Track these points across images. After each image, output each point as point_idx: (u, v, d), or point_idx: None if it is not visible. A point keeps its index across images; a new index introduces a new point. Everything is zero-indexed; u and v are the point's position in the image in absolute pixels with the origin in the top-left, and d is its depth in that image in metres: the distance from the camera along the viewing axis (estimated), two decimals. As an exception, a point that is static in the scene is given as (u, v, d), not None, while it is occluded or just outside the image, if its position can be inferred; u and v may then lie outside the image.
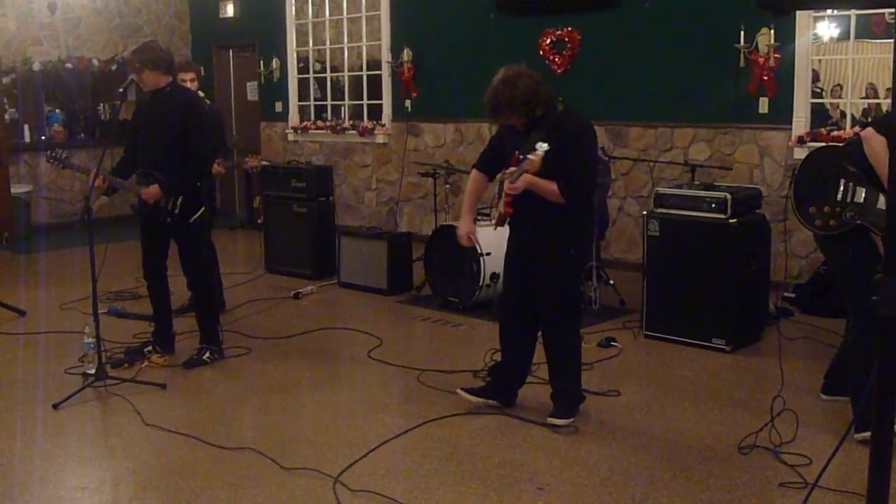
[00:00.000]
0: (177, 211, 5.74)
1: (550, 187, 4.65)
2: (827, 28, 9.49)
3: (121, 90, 5.82)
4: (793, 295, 7.32)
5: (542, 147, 4.52)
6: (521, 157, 4.64)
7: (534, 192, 4.68)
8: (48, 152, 6.06)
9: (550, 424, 4.87)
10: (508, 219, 4.96)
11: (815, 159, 4.87)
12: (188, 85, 6.99)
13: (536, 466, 4.41)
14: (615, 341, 6.34)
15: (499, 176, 4.96)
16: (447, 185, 8.68)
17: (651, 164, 8.24)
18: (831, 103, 8.98)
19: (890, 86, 7.55)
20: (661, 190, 6.45)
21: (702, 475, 4.28)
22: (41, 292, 8.07)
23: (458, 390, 5.23)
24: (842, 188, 4.50)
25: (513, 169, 4.69)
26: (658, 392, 5.45)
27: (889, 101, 7.33)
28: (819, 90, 9.06)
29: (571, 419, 4.90)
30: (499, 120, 4.96)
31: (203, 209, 5.88)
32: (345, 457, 4.48)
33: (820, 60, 8.75)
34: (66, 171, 6.09)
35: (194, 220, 5.83)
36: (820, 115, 8.80)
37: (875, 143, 4.35)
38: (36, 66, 11.46)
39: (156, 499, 4.12)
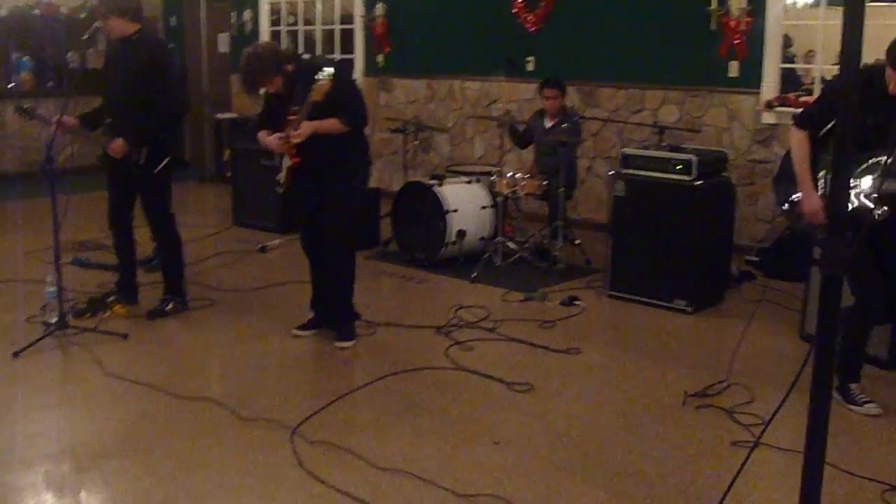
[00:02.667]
0: (142, 161, 5.69)
1: (331, 123, 5.15)
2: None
3: (86, 37, 5.75)
4: (756, 259, 7.37)
5: (327, 71, 4.93)
6: (295, 109, 5.13)
7: (315, 137, 5.13)
8: (15, 105, 6.00)
9: (339, 348, 5.42)
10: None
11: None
12: None
13: (493, 421, 4.45)
14: (578, 300, 6.38)
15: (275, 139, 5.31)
16: (416, 142, 8.64)
17: (621, 125, 8.25)
18: (805, 69, 9.00)
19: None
20: (627, 151, 6.47)
21: (656, 432, 4.33)
22: (5, 240, 8.01)
23: (293, 331, 5.63)
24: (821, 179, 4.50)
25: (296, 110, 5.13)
26: (618, 351, 5.50)
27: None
28: (791, 55, 9.09)
29: (355, 339, 5.51)
30: (259, 89, 5.31)
31: (167, 159, 5.82)
32: (304, 409, 4.50)
33: (794, 25, 8.74)
34: (34, 121, 6.00)
35: (159, 171, 5.78)
36: (792, 80, 8.84)
37: (791, 139, 4.48)
38: (3, 12, 11.28)
39: (113, 447, 4.13)
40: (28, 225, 8.27)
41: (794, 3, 9.01)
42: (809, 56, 9.38)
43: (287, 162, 5.37)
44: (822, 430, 2.21)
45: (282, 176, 5.43)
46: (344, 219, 5.40)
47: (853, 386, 4.62)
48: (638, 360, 5.30)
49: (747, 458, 2.88)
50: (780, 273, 7.15)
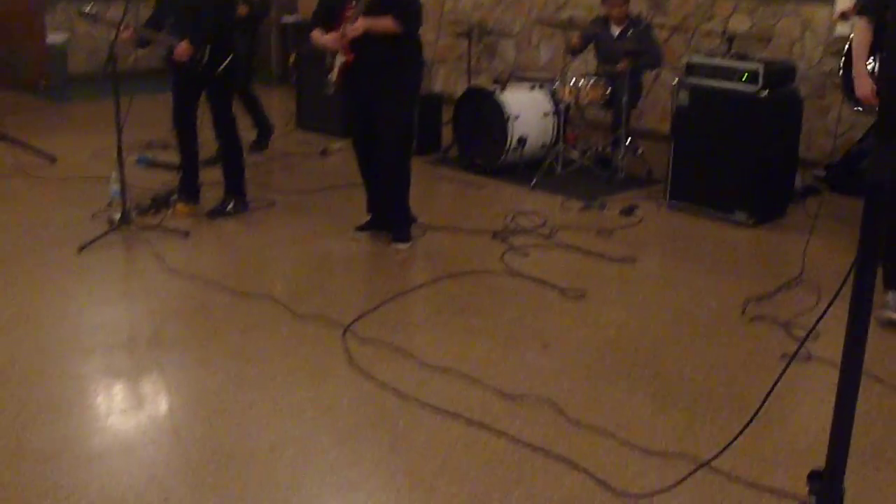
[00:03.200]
0: (205, 60, 5.72)
1: (385, 22, 5.13)
2: None
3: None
4: (824, 173, 7.21)
5: None
6: (354, 3, 5.10)
7: (369, 34, 5.13)
8: (79, 9, 6.07)
9: (395, 250, 5.48)
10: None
11: None
12: None
13: (544, 326, 4.48)
14: (637, 210, 6.33)
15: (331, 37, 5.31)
16: (481, 47, 8.53)
17: (689, 34, 8.05)
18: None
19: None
20: (692, 59, 6.32)
21: (707, 342, 4.32)
22: (74, 140, 8.16)
23: (351, 232, 5.71)
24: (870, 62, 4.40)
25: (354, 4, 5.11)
26: (674, 261, 5.46)
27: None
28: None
29: (411, 241, 5.55)
30: None
31: (231, 57, 5.85)
32: (358, 307, 4.57)
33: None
34: (98, 24, 6.08)
35: (223, 68, 5.81)
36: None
37: (855, 31, 4.35)
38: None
39: (169, 338, 4.26)
40: (96, 125, 8.37)
41: None
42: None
43: (340, 60, 5.35)
44: (861, 343, 2.19)
45: (333, 75, 5.42)
46: (398, 120, 5.39)
47: None
48: (694, 271, 5.26)
49: (786, 368, 2.85)
50: (848, 188, 6.99)
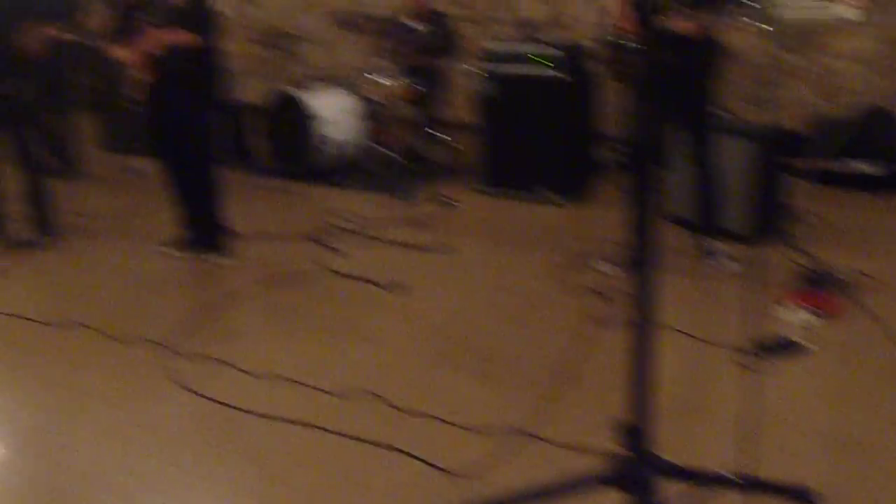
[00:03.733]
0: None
1: (181, 36, 5.03)
2: None
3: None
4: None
5: None
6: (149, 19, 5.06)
7: (170, 49, 5.04)
8: None
9: (210, 262, 5.44)
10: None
11: None
12: None
13: (368, 322, 4.52)
14: (452, 200, 6.45)
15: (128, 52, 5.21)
16: (277, 52, 8.45)
17: (488, 22, 8.24)
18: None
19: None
20: (489, 46, 6.49)
21: (527, 318, 4.47)
22: None
23: (162, 249, 5.63)
24: None
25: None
26: (492, 246, 5.60)
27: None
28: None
29: (226, 252, 5.49)
30: None
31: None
32: (177, 325, 4.50)
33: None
34: None
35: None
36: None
37: None
38: None
39: (-20, 379, 4.08)
40: None
41: None
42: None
43: (138, 75, 5.23)
44: (649, 297, 2.32)
45: (133, 90, 5.29)
46: (197, 131, 5.32)
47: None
48: (510, 252, 5.41)
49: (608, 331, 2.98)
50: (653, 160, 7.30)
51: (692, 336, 4.14)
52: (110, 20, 5.42)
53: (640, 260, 2.33)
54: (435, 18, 7.41)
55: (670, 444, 2.81)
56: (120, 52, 5.21)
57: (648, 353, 2.35)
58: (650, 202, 2.33)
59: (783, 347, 4.04)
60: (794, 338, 4.12)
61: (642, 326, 2.34)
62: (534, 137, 6.25)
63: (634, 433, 2.41)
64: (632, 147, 2.22)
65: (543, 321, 4.42)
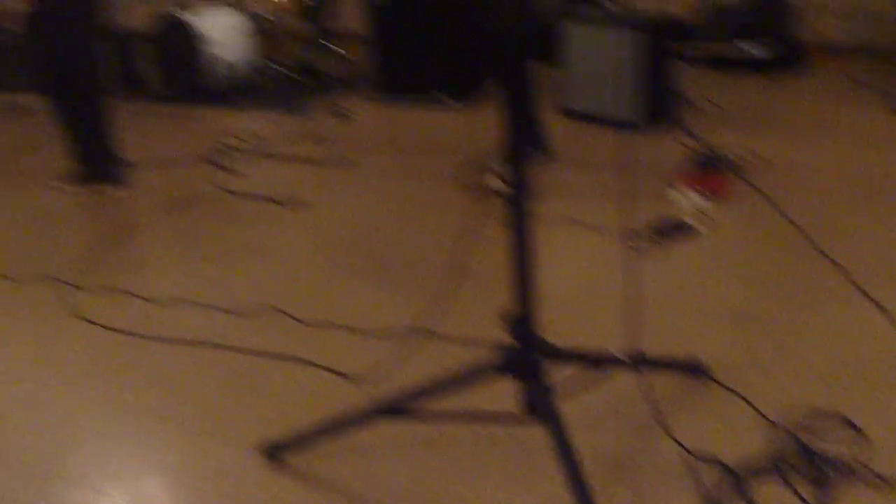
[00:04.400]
0: None
1: None
2: None
3: None
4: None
5: None
6: None
7: None
8: None
9: (101, 192, 5.30)
10: None
11: None
12: None
13: (264, 238, 4.52)
14: (349, 111, 6.41)
15: None
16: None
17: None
18: None
19: None
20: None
21: (427, 223, 4.52)
22: None
23: (52, 183, 5.44)
24: None
25: None
26: (391, 155, 5.63)
27: None
28: None
29: (118, 181, 5.36)
30: None
31: None
32: (74, 259, 4.43)
33: None
34: None
35: None
36: None
37: None
38: None
39: None
40: None
41: None
42: None
43: (18, 4, 5.06)
44: (524, 181, 2.36)
45: (13, 20, 5.13)
46: (87, 61, 5.18)
47: None
48: (410, 160, 5.44)
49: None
50: (544, 56, 7.33)
51: (583, 223, 4.23)
52: None
53: (514, 152, 2.36)
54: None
55: (563, 331, 2.90)
56: None
57: (529, 243, 2.40)
58: (521, 93, 2.35)
59: (676, 230, 4.16)
60: (687, 220, 4.24)
61: (520, 217, 2.38)
62: (425, 42, 6.23)
63: (522, 321, 2.48)
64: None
65: (442, 224, 4.47)
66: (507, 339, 2.49)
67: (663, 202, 4.43)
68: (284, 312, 3.72)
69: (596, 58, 5.55)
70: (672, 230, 4.16)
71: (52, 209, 5.24)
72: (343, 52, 7.41)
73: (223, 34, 7.00)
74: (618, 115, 5.48)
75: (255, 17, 7.07)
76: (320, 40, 7.14)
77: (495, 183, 4.71)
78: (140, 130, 6.63)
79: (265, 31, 7.30)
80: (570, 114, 5.81)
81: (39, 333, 3.80)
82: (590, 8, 5.90)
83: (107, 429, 3.11)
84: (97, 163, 5.39)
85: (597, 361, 2.79)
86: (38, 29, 5.12)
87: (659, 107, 5.53)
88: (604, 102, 5.55)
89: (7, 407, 3.29)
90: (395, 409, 2.65)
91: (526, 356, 2.48)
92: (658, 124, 5.50)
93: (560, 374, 2.62)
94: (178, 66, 7.13)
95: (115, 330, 3.73)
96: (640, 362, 2.89)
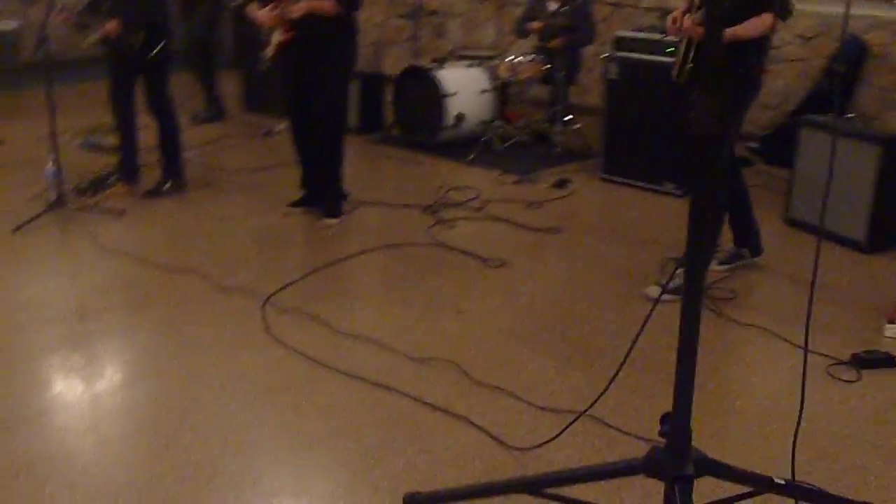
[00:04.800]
0: (138, 46, 5.80)
1: (325, 4, 5.24)
2: None
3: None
4: (757, 145, 7.36)
5: None
6: None
7: (308, 14, 5.22)
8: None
9: (325, 225, 5.61)
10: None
11: None
12: None
13: (461, 293, 4.61)
14: (569, 183, 6.46)
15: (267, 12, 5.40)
16: (429, 27, 8.61)
17: (629, 10, 8.18)
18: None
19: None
20: (620, 33, 6.46)
21: (617, 308, 4.45)
22: (21, 126, 8.18)
23: (284, 208, 5.83)
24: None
25: None
26: (599, 232, 5.60)
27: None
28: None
29: (341, 217, 5.68)
30: None
31: (165, 42, 5.93)
32: (281, 280, 4.67)
33: None
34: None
35: (156, 54, 5.89)
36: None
37: None
38: None
39: (93, 315, 4.35)
40: (46, 112, 8.43)
41: None
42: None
43: (277, 37, 5.45)
44: (698, 292, 2.32)
45: (268, 51, 5.52)
46: (332, 97, 5.52)
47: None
48: (616, 241, 5.39)
49: (648, 316, 2.97)
50: (780, 159, 7.14)
51: (784, 338, 4.06)
52: None
53: (695, 252, 2.32)
54: (572, 1, 7.39)
55: (730, 445, 2.80)
56: (261, 15, 5.42)
57: (693, 348, 2.35)
58: (711, 197, 2.31)
59: (882, 365, 3.92)
60: (896, 354, 4.00)
61: (691, 319, 2.34)
62: (657, 126, 6.19)
63: (677, 426, 2.41)
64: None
65: (634, 312, 4.40)
66: (662, 439, 2.44)
67: (876, 333, 4.20)
68: (460, 368, 3.78)
69: (829, 169, 5.32)
70: (878, 364, 3.93)
71: (275, 229, 5.56)
72: (576, 123, 7.48)
73: (463, 89, 7.23)
74: (843, 233, 5.24)
75: (496, 77, 7.26)
76: (556, 109, 7.23)
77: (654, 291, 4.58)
78: (370, 169, 6.94)
79: (506, 93, 7.48)
80: (795, 223, 5.62)
81: (234, 343, 4.03)
82: (828, 117, 5.68)
83: (268, 445, 3.25)
84: (326, 193, 5.69)
85: (753, 484, 2.67)
86: (291, 62, 5.48)
87: (891, 231, 5.25)
88: (831, 216, 5.31)
89: (190, 406, 3.51)
90: (539, 488, 2.64)
91: (674, 463, 2.41)
92: (885, 249, 5.21)
93: (714, 489, 2.53)
94: (416, 114, 7.43)
95: (299, 353, 3.91)
96: (803, 496, 2.73)
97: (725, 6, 2.18)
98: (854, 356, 3.91)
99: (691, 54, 4.42)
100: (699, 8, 4.28)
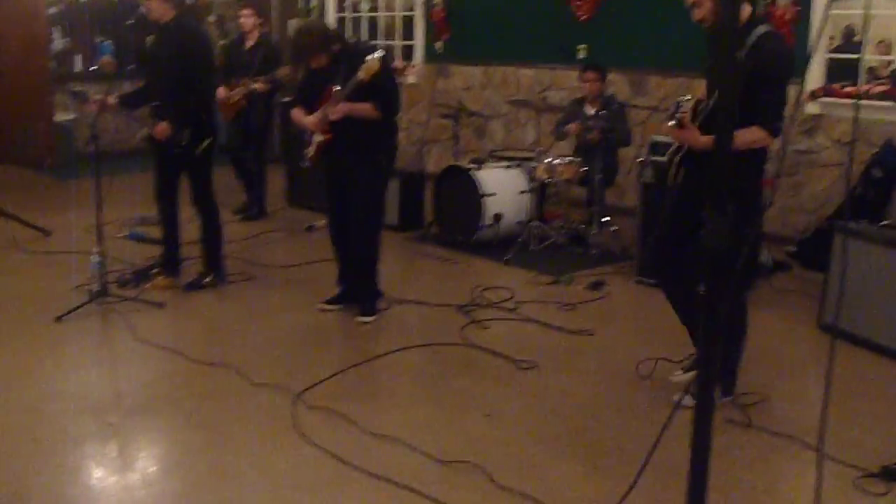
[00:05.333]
0: (184, 143, 5.99)
1: (366, 107, 5.39)
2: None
3: (130, 21, 6.07)
4: (795, 249, 7.37)
5: (378, 54, 5.25)
6: (338, 88, 5.37)
7: (348, 117, 5.38)
8: (68, 89, 6.42)
9: (360, 322, 5.68)
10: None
11: None
12: (243, 21, 8.18)
13: (491, 395, 4.63)
14: (604, 285, 6.49)
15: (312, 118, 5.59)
16: (458, 127, 8.74)
17: (666, 114, 8.28)
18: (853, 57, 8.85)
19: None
20: (655, 137, 6.54)
21: (649, 412, 4.44)
22: (72, 215, 8.43)
23: (319, 304, 5.91)
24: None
25: (337, 89, 5.38)
26: (632, 334, 5.61)
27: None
28: (857, 44, 8.90)
29: (376, 315, 5.73)
30: (305, 64, 5.55)
31: (209, 140, 6.12)
32: (312, 377, 4.73)
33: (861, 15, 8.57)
34: (87, 104, 6.48)
35: (201, 151, 6.08)
36: (848, 71, 8.64)
37: None
38: (83, -3, 11.81)
39: (128, 404, 4.43)
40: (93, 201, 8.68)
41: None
42: (881, 46, 9.23)
43: (318, 138, 5.61)
44: (709, 407, 2.33)
45: (310, 150, 5.68)
46: (370, 198, 5.63)
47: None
48: (649, 344, 5.38)
49: (668, 420, 2.97)
50: (818, 264, 7.12)
51: (816, 450, 4.02)
52: (297, 82, 5.86)
53: (706, 356, 2.35)
54: (611, 105, 7.54)
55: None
56: (305, 119, 5.59)
57: (705, 460, 2.36)
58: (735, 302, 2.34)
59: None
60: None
61: (703, 426, 2.35)
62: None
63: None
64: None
65: (663, 419, 4.37)
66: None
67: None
68: (485, 472, 3.78)
69: (868, 277, 5.32)
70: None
71: (310, 326, 5.63)
72: (613, 224, 7.54)
73: (502, 190, 7.35)
74: (878, 340, 5.21)
75: (534, 178, 7.37)
76: (593, 210, 7.31)
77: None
78: (408, 267, 7.03)
79: (543, 194, 7.58)
80: (829, 329, 5.58)
81: (264, 440, 4.08)
82: (864, 223, 5.68)
83: (291, 546, 3.27)
84: (362, 291, 5.77)
85: None
86: (331, 161, 5.64)
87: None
88: (865, 323, 5.29)
89: (213, 501, 3.54)
90: None
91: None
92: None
93: None
94: (455, 213, 7.54)
95: (326, 451, 3.94)
96: None
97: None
98: (884, 468, 3.86)
99: (676, 158, 4.51)
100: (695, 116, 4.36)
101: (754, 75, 3.97)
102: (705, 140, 4.20)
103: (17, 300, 5.99)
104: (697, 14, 4.23)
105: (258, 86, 8.27)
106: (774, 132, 4.23)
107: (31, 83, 11.13)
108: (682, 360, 4.89)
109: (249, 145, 8.67)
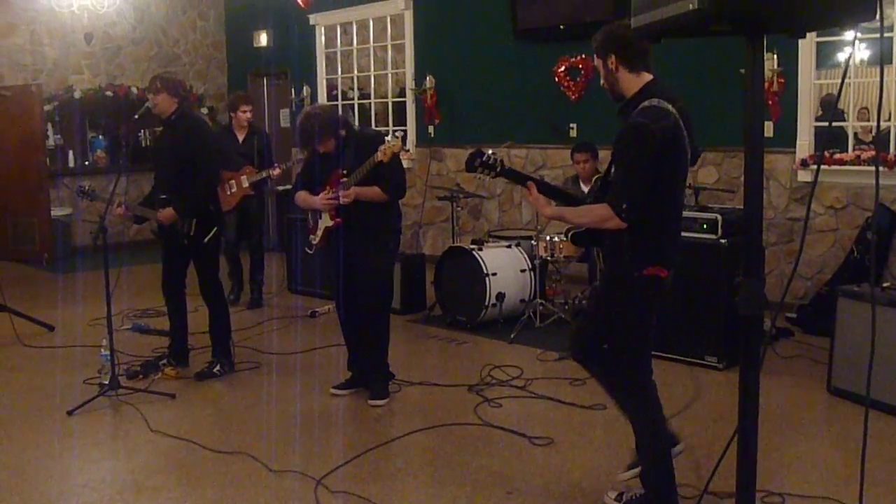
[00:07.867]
0: (191, 232, 6.07)
1: (374, 191, 5.50)
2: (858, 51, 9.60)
3: (137, 116, 6.20)
4: (795, 315, 7.44)
5: (395, 138, 5.49)
6: (344, 172, 5.52)
7: (356, 201, 5.49)
8: (77, 187, 6.56)
9: (372, 406, 5.68)
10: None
11: None
12: (245, 115, 8.39)
13: (510, 473, 4.63)
14: (611, 358, 6.52)
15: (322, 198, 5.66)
16: (459, 209, 8.87)
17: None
18: (842, 126, 9.06)
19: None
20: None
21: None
22: (73, 309, 8.46)
23: (331, 390, 5.91)
24: None
25: (344, 180, 5.51)
26: (644, 406, 5.62)
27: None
28: (840, 112, 9.12)
29: (387, 398, 5.76)
30: (312, 147, 5.63)
31: (216, 229, 6.19)
32: (331, 462, 4.73)
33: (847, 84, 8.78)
34: (95, 201, 6.62)
35: (208, 240, 6.15)
36: (836, 138, 8.81)
37: None
38: (77, 94, 11.98)
39: (148, 496, 4.41)
40: (96, 295, 8.70)
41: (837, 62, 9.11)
42: (861, 114, 9.46)
43: (326, 223, 5.69)
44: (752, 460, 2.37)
45: (316, 236, 5.76)
46: (377, 282, 5.69)
47: None
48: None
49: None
50: (818, 329, 7.20)
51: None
52: (301, 169, 5.96)
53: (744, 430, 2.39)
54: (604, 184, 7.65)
55: None
56: (313, 200, 5.67)
57: None
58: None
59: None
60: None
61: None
62: (696, 300, 6.30)
63: None
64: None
65: (681, 489, 4.39)
66: None
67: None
68: (512, 550, 3.78)
69: (869, 337, 5.37)
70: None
71: (323, 411, 5.64)
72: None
73: (504, 269, 7.42)
74: (889, 400, 5.25)
75: (534, 256, 7.45)
76: (594, 285, 7.38)
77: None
78: (413, 349, 7.06)
79: (544, 271, 7.66)
80: (839, 393, 5.63)
81: (285, 526, 4.06)
82: (864, 286, 5.77)
83: None
84: (372, 374, 5.80)
85: None
86: (336, 245, 5.71)
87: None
88: (875, 385, 5.33)
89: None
90: None
91: None
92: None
93: None
94: (457, 294, 7.60)
95: (351, 537, 3.93)
96: None
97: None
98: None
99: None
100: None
101: (613, 152, 3.95)
102: (551, 211, 4.15)
103: (27, 395, 5.98)
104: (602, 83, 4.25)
105: (276, 171, 8.38)
106: (621, 214, 3.76)
107: (29, 180, 11.25)
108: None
109: (249, 234, 8.73)
